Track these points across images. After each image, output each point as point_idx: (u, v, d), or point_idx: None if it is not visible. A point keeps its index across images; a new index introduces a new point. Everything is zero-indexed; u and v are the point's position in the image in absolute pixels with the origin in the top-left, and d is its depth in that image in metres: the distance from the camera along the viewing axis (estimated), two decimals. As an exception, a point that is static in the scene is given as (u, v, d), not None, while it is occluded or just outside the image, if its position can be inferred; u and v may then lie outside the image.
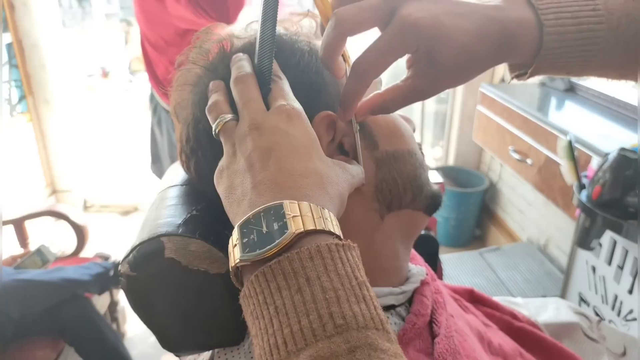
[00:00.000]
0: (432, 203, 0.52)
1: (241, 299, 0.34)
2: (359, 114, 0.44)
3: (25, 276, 1.50)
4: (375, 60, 0.39)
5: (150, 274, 0.42)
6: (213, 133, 0.41)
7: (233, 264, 0.34)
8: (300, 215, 0.33)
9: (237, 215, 0.36)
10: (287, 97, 0.41)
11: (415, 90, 0.41)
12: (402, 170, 0.49)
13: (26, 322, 1.41)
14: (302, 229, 0.32)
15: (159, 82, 1.85)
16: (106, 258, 1.87)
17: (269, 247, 0.32)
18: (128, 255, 0.43)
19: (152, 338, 2.03)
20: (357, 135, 0.46)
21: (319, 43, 0.50)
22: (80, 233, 1.81)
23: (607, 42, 0.39)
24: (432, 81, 0.40)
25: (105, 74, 5.50)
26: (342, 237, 0.35)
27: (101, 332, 1.54)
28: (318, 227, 0.33)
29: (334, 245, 0.32)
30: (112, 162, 3.82)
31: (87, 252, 1.87)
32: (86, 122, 3.41)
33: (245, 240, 0.33)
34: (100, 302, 1.72)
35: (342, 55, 0.43)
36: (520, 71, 0.43)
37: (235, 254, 0.34)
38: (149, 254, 0.42)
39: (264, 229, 0.33)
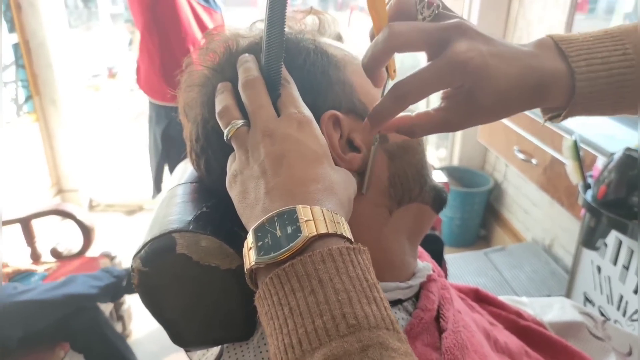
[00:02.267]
0: (437, 196, 0.53)
1: (256, 300, 0.35)
2: (385, 129, 0.44)
3: (27, 297, 1.43)
4: (418, 88, 0.39)
5: (161, 270, 0.43)
6: (225, 138, 0.42)
7: (248, 267, 0.35)
8: (313, 220, 0.34)
9: (251, 219, 0.37)
10: (297, 103, 0.42)
11: (446, 122, 0.42)
12: (411, 161, 0.50)
13: (31, 335, 1.41)
14: (315, 233, 0.33)
15: (138, 68, 1.91)
16: (112, 257, 1.88)
17: (282, 250, 0.33)
18: (140, 251, 0.43)
19: (157, 337, 2.04)
20: (374, 146, 0.46)
21: (323, 40, 0.50)
22: (87, 232, 1.82)
23: (637, 84, 0.40)
24: (465, 117, 0.41)
25: (112, 74, 5.52)
26: (353, 240, 0.36)
27: (108, 340, 1.53)
28: (330, 231, 0.34)
29: (345, 249, 0.33)
30: (118, 161, 3.84)
31: (93, 252, 1.88)
32: (92, 122, 3.43)
33: (260, 243, 0.35)
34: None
35: (387, 67, 0.43)
36: (553, 113, 0.44)
37: (250, 257, 0.35)
38: (160, 249, 0.42)
39: (278, 233, 0.34)
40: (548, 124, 1.62)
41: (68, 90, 2.86)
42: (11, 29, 2.57)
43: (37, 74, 2.76)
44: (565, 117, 0.43)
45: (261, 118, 0.40)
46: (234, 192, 0.41)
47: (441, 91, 0.42)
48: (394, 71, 0.44)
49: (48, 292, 1.48)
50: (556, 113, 0.44)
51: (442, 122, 0.42)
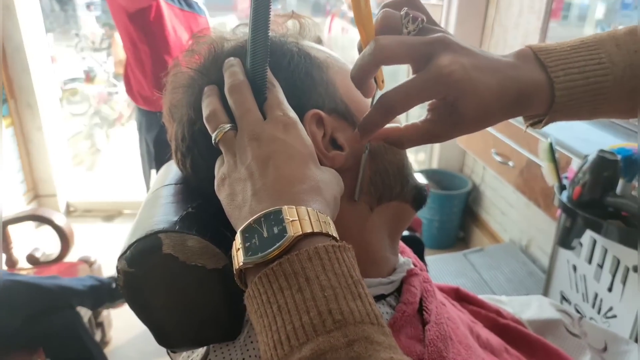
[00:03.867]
0: (417, 195, 0.54)
1: (246, 299, 0.36)
2: (374, 140, 0.46)
3: (19, 277, 1.48)
4: (404, 100, 0.41)
5: (147, 270, 0.43)
6: (213, 142, 0.43)
7: (237, 267, 0.36)
8: (299, 219, 0.35)
9: (239, 220, 0.38)
10: (283, 106, 0.43)
11: (431, 133, 0.44)
12: (392, 160, 0.51)
13: (10, 329, 1.39)
14: (301, 232, 0.34)
15: (128, 77, 1.90)
16: (91, 263, 1.85)
17: (270, 250, 0.34)
18: (125, 252, 0.43)
19: (137, 344, 2.02)
20: (365, 154, 0.48)
21: (306, 42, 0.51)
22: (65, 237, 1.79)
23: (613, 91, 0.42)
24: (449, 128, 0.42)
25: (89, 79, 5.44)
26: (338, 238, 0.37)
27: (85, 348, 1.51)
28: (315, 230, 0.35)
29: (330, 247, 0.34)
30: (96, 166, 3.78)
31: (71, 257, 1.85)
32: (69, 126, 3.38)
33: (247, 244, 0.36)
34: (85, 309, 1.70)
35: (375, 78, 0.44)
36: (535, 120, 0.46)
37: (238, 258, 0.36)
38: (146, 250, 0.42)
39: (265, 233, 0.35)
40: (524, 127, 1.65)
41: (44, 94, 2.81)
42: (-15, 32, 2.52)
43: (12, 77, 2.71)
44: (546, 124, 0.45)
45: (248, 122, 0.41)
46: (222, 194, 0.41)
47: (427, 103, 0.44)
48: (382, 82, 0.46)
49: (38, 279, 1.50)
50: (537, 119, 0.45)
51: (428, 134, 0.44)
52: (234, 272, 0.37)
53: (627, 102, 0.43)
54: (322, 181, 0.40)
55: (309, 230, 0.35)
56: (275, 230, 0.35)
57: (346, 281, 0.33)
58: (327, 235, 0.36)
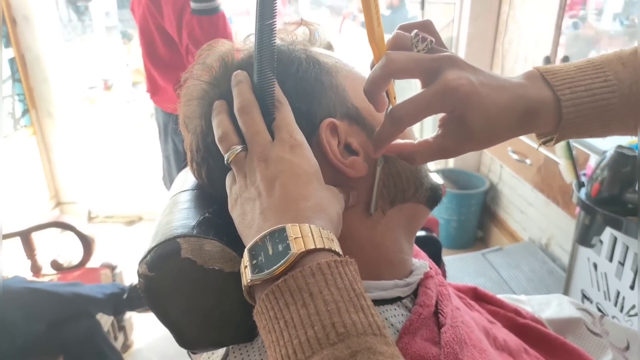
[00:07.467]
0: (432, 195, 0.55)
1: (255, 315, 0.37)
2: (387, 152, 0.47)
3: (37, 285, 1.50)
4: (413, 112, 0.42)
5: (167, 274, 0.44)
6: (225, 162, 0.45)
7: (245, 284, 0.38)
8: (302, 237, 0.36)
9: (248, 238, 0.40)
10: (290, 127, 0.44)
11: (441, 149, 0.45)
12: (405, 164, 0.51)
13: (30, 337, 1.41)
14: (304, 249, 0.36)
15: (154, 82, 1.89)
16: (112, 268, 1.88)
17: (275, 267, 0.36)
18: (145, 256, 0.44)
19: (158, 347, 2.04)
20: (380, 166, 0.49)
21: (314, 49, 0.52)
22: (87, 244, 1.83)
23: (621, 107, 0.43)
24: (459, 143, 0.44)
25: (107, 87, 5.52)
26: (341, 253, 0.38)
27: (105, 355, 1.53)
28: (318, 246, 0.36)
29: (332, 262, 0.36)
30: (116, 173, 3.84)
31: (93, 263, 1.88)
32: (89, 134, 3.44)
33: (254, 262, 0.37)
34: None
35: (387, 92, 0.46)
36: (547, 138, 0.47)
37: (246, 275, 0.38)
38: (166, 254, 0.44)
39: (270, 251, 0.37)
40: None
41: (64, 103, 2.87)
42: (7, 44, 2.58)
43: (33, 87, 2.77)
44: (557, 141, 0.46)
45: (257, 144, 0.43)
46: (234, 214, 0.43)
47: (438, 121, 0.45)
48: (394, 98, 0.47)
49: (57, 287, 1.51)
50: (549, 137, 0.46)
51: (439, 149, 0.45)
52: (243, 288, 0.38)
53: (635, 119, 0.44)
54: (326, 198, 0.42)
55: (311, 246, 0.36)
56: (280, 247, 0.36)
57: (348, 294, 0.35)
58: (330, 250, 0.37)
